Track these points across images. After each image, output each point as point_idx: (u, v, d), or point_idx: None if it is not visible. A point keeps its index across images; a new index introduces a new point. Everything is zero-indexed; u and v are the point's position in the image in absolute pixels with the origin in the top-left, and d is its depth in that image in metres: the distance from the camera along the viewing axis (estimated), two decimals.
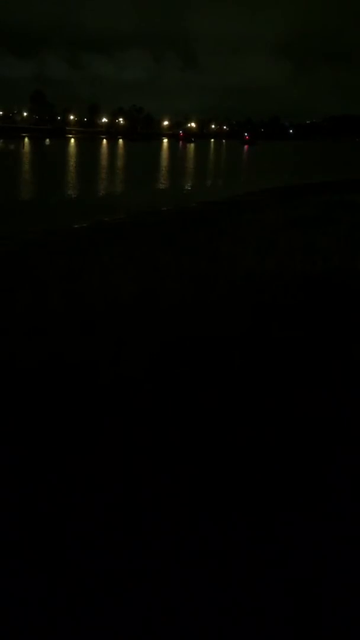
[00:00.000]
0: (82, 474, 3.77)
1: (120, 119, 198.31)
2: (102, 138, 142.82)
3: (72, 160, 56.45)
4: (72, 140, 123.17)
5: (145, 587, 2.82)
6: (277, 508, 3.46)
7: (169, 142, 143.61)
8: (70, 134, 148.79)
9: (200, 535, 3.19)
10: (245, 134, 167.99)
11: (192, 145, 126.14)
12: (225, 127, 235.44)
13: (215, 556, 3.05)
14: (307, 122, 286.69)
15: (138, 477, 3.75)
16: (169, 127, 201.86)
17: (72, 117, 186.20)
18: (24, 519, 3.32)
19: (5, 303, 7.98)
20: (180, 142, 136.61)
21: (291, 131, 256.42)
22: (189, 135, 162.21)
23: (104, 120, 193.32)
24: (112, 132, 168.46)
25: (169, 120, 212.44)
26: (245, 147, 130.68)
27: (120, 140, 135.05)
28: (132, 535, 3.19)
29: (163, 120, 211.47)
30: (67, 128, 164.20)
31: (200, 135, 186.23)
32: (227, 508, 3.46)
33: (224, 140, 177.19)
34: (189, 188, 33.72)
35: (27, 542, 3.12)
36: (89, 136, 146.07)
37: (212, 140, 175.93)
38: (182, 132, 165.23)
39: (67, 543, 3.12)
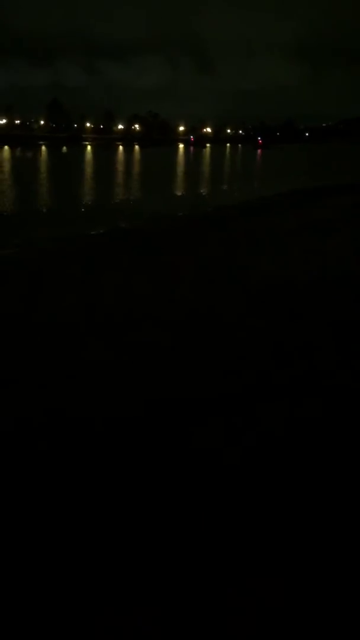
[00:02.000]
0: None
1: (136, 125, 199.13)
2: (118, 144, 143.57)
3: (88, 167, 56.94)
4: (89, 147, 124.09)
5: None
6: None
7: (184, 147, 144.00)
8: (87, 141, 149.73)
9: None
10: (259, 139, 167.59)
11: (207, 150, 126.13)
12: (240, 132, 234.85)
13: None
14: (323, 124, 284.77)
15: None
16: (185, 132, 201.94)
17: (88, 124, 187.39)
18: None
19: (21, 308, 8.16)
20: (192, 148, 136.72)
21: (307, 134, 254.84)
22: (202, 140, 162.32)
23: (120, 126, 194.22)
24: (128, 138, 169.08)
25: (185, 126, 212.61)
26: (259, 151, 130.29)
27: (137, 147, 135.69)
28: None
29: (179, 126, 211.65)
30: (84, 135, 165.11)
31: (216, 140, 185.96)
32: None
33: (239, 145, 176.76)
34: (204, 193, 33.78)
35: None
36: (105, 143, 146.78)
37: (228, 145, 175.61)
38: (193, 138, 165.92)
39: None
